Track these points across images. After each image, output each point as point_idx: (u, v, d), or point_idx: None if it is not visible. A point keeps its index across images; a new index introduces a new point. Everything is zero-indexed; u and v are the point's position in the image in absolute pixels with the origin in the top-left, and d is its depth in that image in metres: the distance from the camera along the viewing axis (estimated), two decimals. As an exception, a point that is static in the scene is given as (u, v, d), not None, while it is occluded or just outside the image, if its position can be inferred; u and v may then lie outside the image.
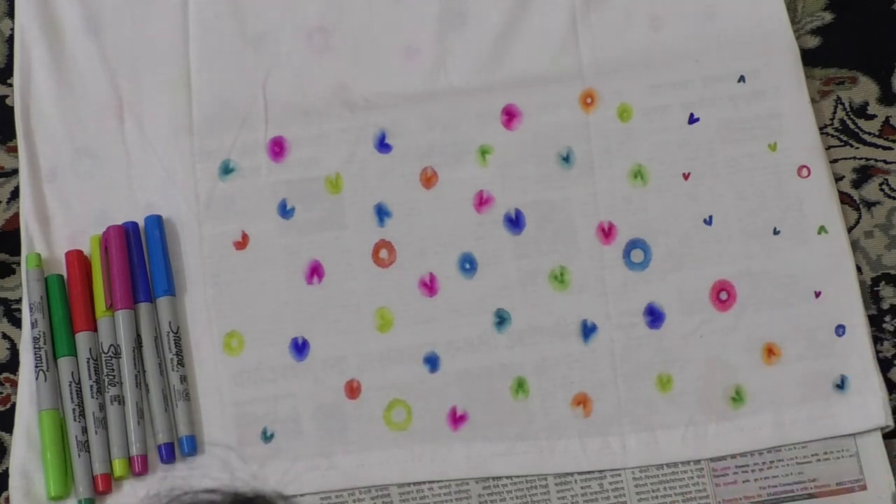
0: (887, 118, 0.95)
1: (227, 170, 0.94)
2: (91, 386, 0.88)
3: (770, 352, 0.89)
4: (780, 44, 0.95)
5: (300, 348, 0.90)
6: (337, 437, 0.89)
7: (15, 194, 0.94)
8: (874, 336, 0.90)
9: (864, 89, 0.95)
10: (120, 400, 0.88)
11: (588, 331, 0.90)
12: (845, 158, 0.94)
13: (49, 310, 0.89)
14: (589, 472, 0.88)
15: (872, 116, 0.95)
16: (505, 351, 0.90)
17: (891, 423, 0.87)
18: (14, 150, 0.95)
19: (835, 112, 0.95)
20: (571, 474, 0.88)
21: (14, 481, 0.86)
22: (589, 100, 0.94)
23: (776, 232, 0.91)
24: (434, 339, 0.90)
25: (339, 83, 0.95)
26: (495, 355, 0.90)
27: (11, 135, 0.95)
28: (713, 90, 0.94)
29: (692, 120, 0.94)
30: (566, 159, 0.93)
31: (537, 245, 0.92)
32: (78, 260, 0.91)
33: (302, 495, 0.88)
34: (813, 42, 0.96)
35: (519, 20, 0.96)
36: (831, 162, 0.93)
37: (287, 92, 0.95)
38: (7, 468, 0.87)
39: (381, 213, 0.93)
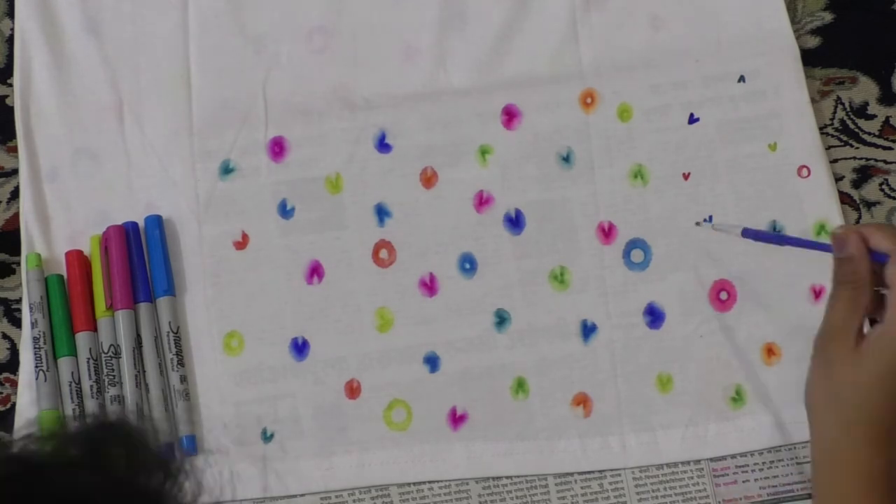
0: (887, 118, 0.95)
1: (227, 170, 0.94)
2: (91, 386, 0.88)
3: (770, 352, 0.89)
4: (780, 44, 0.95)
5: (300, 348, 0.90)
6: (337, 437, 0.89)
7: (15, 194, 0.94)
8: (874, 336, 0.90)
9: (864, 89, 0.95)
10: (120, 400, 0.88)
11: (588, 331, 0.90)
12: (845, 158, 0.94)
13: (49, 310, 0.89)
14: (589, 472, 0.88)
15: (872, 116, 0.95)
16: (505, 351, 0.90)
17: (891, 423, 0.87)
18: (14, 150, 0.95)
19: (835, 112, 0.95)
20: (571, 474, 0.88)
21: (14, 481, 0.86)
22: (589, 100, 0.94)
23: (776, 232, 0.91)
24: (434, 339, 0.90)
25: (339, 83, 0.95)
26: (495, 355, 0.90)
27: (11, 135, 0.95)
28: (713, 90, 0.94)
29: (692, 120, 0.93)
30: (566, 159, 0.93)
31: (537, 245, 0.92)
32: (78, 260, 0.91)
33: (302, 495, 0.88)
34: (813, 42, 0.96)
35: (519, 20, 0.96)
36: (831, 162, 0.93)
37: (287, 92, 0.95)
38: (7, 468, 0.87)
39: (381, 213, 0.93)
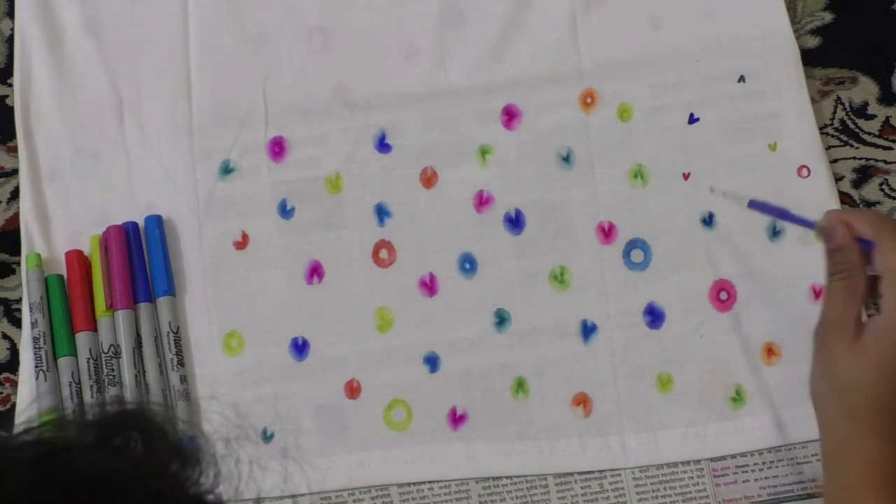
0: (887, 118, 0.95)
1: (227, 170, 0.94)
2: (91, 386, 0.88)
3: (770, 352, 0.89)
4: (780, 44, 0.95)
5: (300, 348, 0.90)
6: (337, 437, 0.89)
7: (15, 194, 0.94)
8: (874, 336, 0.90)
9: (864, 89, 0.95)
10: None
11: (588, 331, 0.90)
12: (845, 158, 0.94)
13: (49, 310, 0.89)
14: (589, 472, 0.88)
15: (872, 116, 0.95)
16: (505, 351, 0.90)
17: (891, 423, 0.87)
18: (14, 150, 0.95)
19: (835, 112, 0.95)
20: (571, 474, 0.88)
21: (14, 481, 0.86)
22: (589, 100, 0.94)
23: (776, 232, 0.91)
24: (434, 339, 0.90)
25: (339, 83, 0.95)
26: (495, 355, 0.90)
27: (11, 135, 0.95)
28: (713, 90, 0.94)
29: (692, 120, 0.93)
30: (566, 159, 0.93)
31: (537, 245, 0.92)
32: (78, 260, 0.91)
33: (302, 495, 0.88)
34: (813, 42, 0.96)
35: (519, 20, 0.96)
36: (831, 162, 0.93)
37: (287, 92, 0.95)
38: (7, 468, 0.87)
39: (381, 213, 0.93)
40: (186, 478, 0.54)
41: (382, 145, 0.94)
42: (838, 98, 0.95)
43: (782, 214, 0.85)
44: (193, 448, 0.55)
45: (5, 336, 0.92)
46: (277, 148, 0.94)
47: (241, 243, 0.92)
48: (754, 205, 0.85)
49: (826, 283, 0.78)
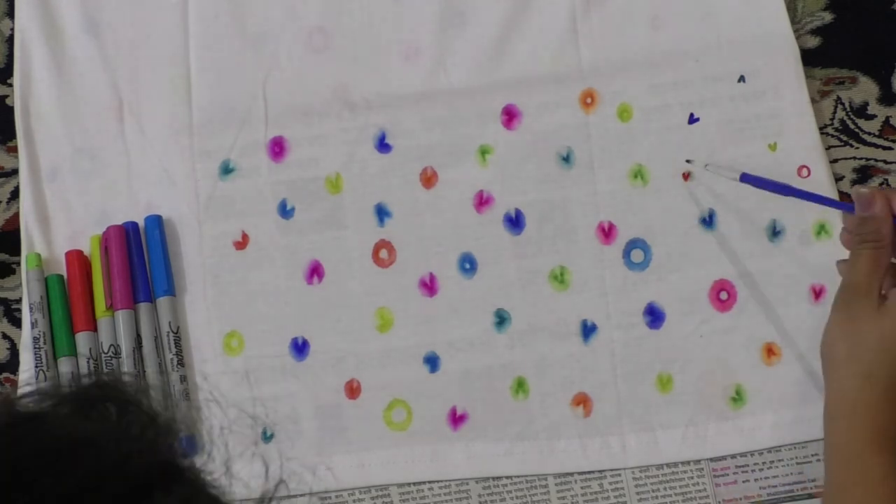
0: (887, 118, 0.95)
1: (227, 170, 0.94)
2: (91, 386, 0.88)
3: (770, 352, 0.89)
4: (780, 44, 0.95)
5: (300, 348, 0.90)
6: (337, 437, 0.89)
7: (15, 194, 0.94)
8: (874, 336, 0.90)
9: (864, 89, 0.95)
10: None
11: (588, 331, 0.90)
12: (845, 158, 0.94)
13: (49, 310, 0.89)
14: (589, 472, 0.88)
15: (872, 116, 0.95)
16: (505, 351, 0.90)
17: (891, 423, 0.87)
18: (14, 150, 0.95)
19: (835, 112, 0.95)
20: (571, 474, 0.88)
21: (14, 481, 0.86)
22: (589, 100, 0.94)
23: (776, 232, 0.91)
24: (434, 339, 0.90)
25: (339, 83, 0.95)
26: (495, 355, 0.90)
27: (11, 135, 0.95)
28: (713, 90, 0.94)
29: (692, 120, 0.93)
30: (566, 159, 0.93)
31: (537, 245, 0.92)
32: (78, 260, 0.91)
33: (302, 495, 0.88)
34: (813, 42, 0.96)
35: (519, 20, 0.96)
36: (831, 162, 0.93)
37: (287, 92, 0.95)
38: (7, 468, 0.87)
39: (381, 213, 0.93)
40: (159, 444, 0.54)
41: (382, 145, 0.94)
42: (838, 98, 0.95)
43: (774, 186, 0.86)
44: (169, 418, 0.56)
45: (5, 336, 0.92)
46: (277, 148, 0.94)
47: (241, 243, 0.92)
48: (746, 178, 0.86)
49: (852, 249, 0.81)
